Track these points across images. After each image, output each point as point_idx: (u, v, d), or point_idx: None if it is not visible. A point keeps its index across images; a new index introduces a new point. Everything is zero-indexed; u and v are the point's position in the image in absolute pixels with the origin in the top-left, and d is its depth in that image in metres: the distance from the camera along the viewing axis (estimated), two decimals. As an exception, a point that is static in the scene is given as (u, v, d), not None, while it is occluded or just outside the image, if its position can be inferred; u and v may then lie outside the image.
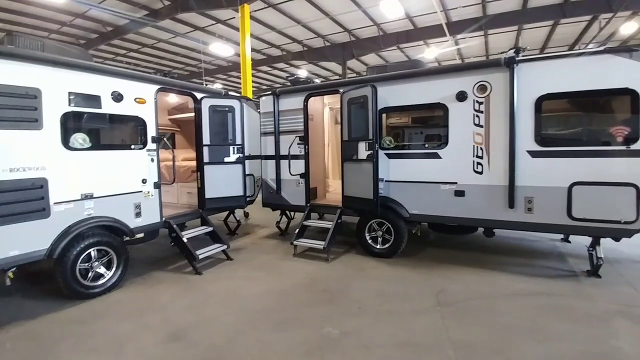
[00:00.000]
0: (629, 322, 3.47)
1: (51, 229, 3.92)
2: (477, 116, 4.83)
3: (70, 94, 4.10)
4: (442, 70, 5.19)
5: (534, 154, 4.51)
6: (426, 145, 5.53)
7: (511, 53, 4.59)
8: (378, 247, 5.70)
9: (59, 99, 4.00)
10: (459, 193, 5.01)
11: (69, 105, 4.09)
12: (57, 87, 3.99)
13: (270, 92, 6.90)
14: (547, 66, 4.44)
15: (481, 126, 4.82)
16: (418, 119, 5.80)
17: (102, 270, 4.43)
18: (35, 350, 3.20)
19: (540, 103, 4.44)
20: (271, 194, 6.98)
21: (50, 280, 4.38)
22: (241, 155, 6.30)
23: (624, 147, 4.10)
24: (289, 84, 7.10)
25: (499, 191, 4.74)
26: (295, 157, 6.52)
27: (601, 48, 4.20)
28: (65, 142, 4.05)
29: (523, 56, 4.51)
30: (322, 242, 5.63)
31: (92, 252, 4.31)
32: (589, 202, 4.26)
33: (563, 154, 4.39)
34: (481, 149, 4.84)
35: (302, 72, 21.66)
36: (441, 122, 5.14)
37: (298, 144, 6.51)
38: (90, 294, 4.26)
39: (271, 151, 6.88)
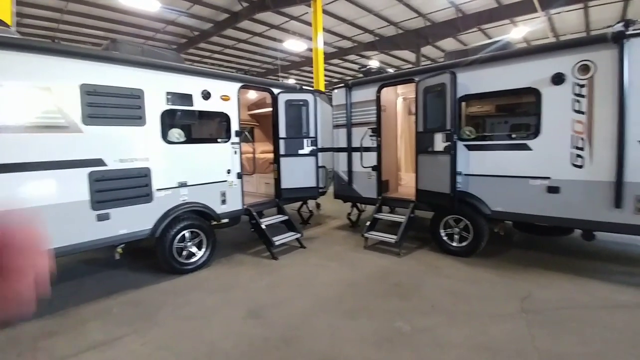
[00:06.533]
0: None
1: (154, 211, 4.53)
2: (578, 101, 4.22)
3: (167, 93, 4.64)
4: (533, 51, 4.62)
5: (651, 144, 3.81)
6: (513, 136, 5.01)
7: (619, 27, 3.90)
8: (454, 244, 5.40)
9: (158, 99, 4.56)
10: (553, 189, 4.46)
11: (167, 104, 4.64)
12: (156, 88, 4.54)
13: (342, 85, 6.93)
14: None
15: (582, 113, 4.20)
16: (504, 106, 5.27)
17: (194, 249, 5.01)
18: (138, 315, 3.73)
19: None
20: (343, 186, 7.06)
21: (151, 256, 5.07)
22: (314, 147, 6.47)
23: None
24: (360, 75, 7.00)
25: (602, 188, 4.11)
26: (367, 149, 6.48)
27: None
28: (164, 136, 4.62)
29: (634, 29, 3.79)
30: (394, 236, 5.54)
31: (186, 233, 4.88)
32: None
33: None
34: (582, 139, 4.23)
35: (374, 63, 21.25)
36: (532, 110, 4.61)
37: (370, 136, 6.45)
38: (184, 270, 4.85)
39: (343, 143, 6.93)
